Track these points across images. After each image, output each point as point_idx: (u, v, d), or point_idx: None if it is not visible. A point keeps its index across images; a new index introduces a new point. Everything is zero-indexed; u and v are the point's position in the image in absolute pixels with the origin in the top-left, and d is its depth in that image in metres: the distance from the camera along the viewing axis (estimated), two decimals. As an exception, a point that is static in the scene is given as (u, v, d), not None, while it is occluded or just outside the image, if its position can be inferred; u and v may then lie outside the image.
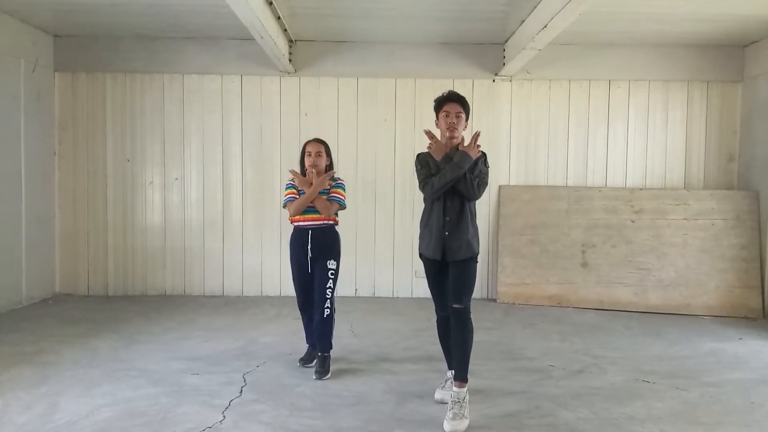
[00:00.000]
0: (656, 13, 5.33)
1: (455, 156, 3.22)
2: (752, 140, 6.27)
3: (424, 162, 3.38)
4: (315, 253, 3.89)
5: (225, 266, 6.54)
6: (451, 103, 3.33)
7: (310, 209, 3.86)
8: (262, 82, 6.46)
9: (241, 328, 5.13)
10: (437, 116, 3.39)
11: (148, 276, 6.52)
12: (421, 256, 3.48)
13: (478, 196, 3.26)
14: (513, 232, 6.36)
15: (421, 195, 3.46)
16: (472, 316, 3.28)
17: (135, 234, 6.51)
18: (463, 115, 3.33)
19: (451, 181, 3.21)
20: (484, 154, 3.34)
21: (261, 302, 6.19)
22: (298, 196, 3.88)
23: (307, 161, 3.93)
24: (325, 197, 3.89)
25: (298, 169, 4.06)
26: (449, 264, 3.30)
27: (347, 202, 4.05)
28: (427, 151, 3.39)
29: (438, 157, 3.28)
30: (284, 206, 3.95)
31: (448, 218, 3.28)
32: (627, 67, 6.45)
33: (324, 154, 3.96)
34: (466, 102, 3.36)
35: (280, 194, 6.40)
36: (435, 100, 3.40)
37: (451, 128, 3.30)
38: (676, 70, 6.46)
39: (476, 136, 3.26)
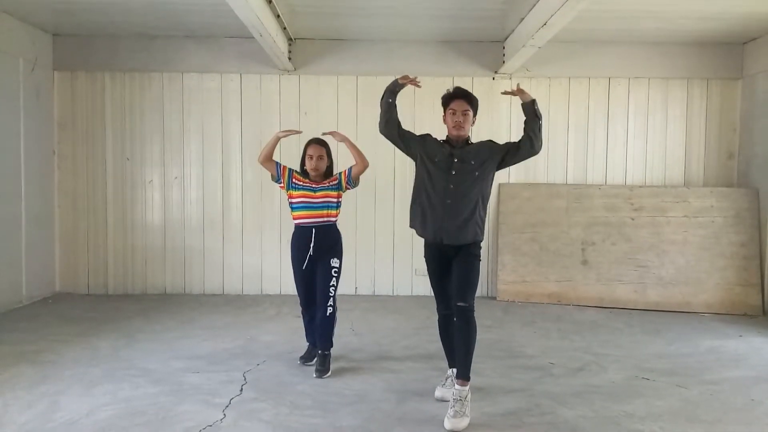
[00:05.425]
0: (656, 10, 5.33)
1: (529, 103, 3.31)
2: (752, 137, 6.26)
3: (425, 137, 3.38)
4: (317, 251, 3.89)
5: (225, 265, 6.54)
6: (458, 101, 3.29)
7: (312, 207, 3.86)
8: (261, 81, 6.45)
9: (242, 326, 5.13)
10: (444, 112, 3.37)
11: (148, 275, 6.51)
12: (425, 242, 3.42)
13: (538, 147, 3.41)
14: (513, 230, 6.36)
15: None
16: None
17: (135, 233, 6.51)
18: (470, 113, 3.30)
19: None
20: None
21: (261, 301, 6.18)
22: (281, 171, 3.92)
23: (309, 164, 3.93)
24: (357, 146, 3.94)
25: (298, 170, 4.05)
26: (452, 260, 3.29)
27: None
28: (435, 137, 3.38)
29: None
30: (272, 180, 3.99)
31: (449, 201, 3.23)
32: (627, 64, 6.44)
33: (326, 157, 3.96)
34: (473, 98, 3.34)
35: (279, 192, 6.41)
36: (443, 97, 3.39)
37: (458, 126, 3.28)
38: (676, 68, 6.45)
39: (518, 89, 3.27)
